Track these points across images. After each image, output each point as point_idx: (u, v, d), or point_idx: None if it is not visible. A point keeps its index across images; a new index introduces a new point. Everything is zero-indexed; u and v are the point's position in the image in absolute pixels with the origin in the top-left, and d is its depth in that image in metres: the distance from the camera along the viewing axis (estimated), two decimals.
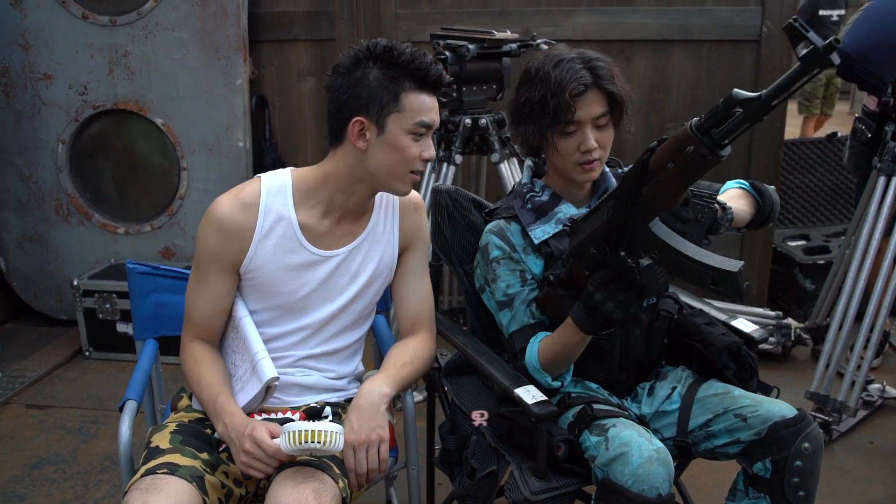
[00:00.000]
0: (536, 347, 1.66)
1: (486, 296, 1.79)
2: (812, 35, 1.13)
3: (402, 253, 1.79)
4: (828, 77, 6.11)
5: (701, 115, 1.27)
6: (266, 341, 1.67)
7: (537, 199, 1.76)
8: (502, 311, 1.73)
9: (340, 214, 1.67)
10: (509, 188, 2.27)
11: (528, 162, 1.84)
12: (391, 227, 1.75)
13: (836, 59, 1.12)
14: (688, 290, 2.03)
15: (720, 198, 1.64)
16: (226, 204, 1.63)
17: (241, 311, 1.69)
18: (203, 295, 1.67)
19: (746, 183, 1.70)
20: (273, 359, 1.66)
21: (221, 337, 1.74)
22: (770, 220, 1.71)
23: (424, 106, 1.59)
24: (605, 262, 1.50)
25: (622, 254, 1.46)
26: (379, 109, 1.57)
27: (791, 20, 1.15)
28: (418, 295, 1.81)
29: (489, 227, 1.78)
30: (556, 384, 1.67)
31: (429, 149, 1.63)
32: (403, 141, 1.59)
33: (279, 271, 1.66)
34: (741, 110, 1.22)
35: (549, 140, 1.68)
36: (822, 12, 5.45)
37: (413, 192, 1.73)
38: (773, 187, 1.71)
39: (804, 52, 1.14)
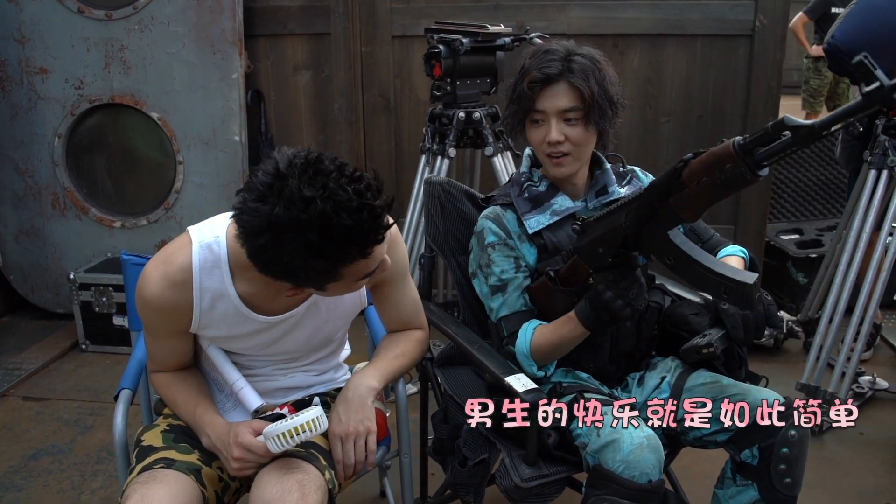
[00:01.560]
0: (530, 334, 1.68)
1: (478, 281, 1.80)
2: (879, 73, 1.16)
3: (377, 286, 1.68)
4: (837, 75, 6.11)
5: (745, 135, 1.31)
6: (239, 367, 1.63)
7: (534, 188, 1.78)
8: (494, 296, 1.74)
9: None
10: (503, 182, 2.29)
11: (528, 151, 1.85)
12: None
13: None
14: (677, 280, 2.05)
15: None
16: (155, 284, 1.46)
17: (206, 341, 1.61)
18: (161, 349, 1.59)
19: (747, 254, 1.75)
20: (251, 374, 1.64)
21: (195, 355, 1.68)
22: None
23: (371, 262, 1.36)
24: (614, 262, 1.54)
25: (633, 254, 1.51)
26: (312, 284, 1.37)
27: (861, 57, 1.17)
28: (402, 309, 1.74)
29: (485, 212, 1.80)
30: (541, 374, 1.69)
31: (384, 266, 1.42)
32: (349, 288, 1.43)
33: (232, 337, 1.57)
34: (789, 134, 1.26)
35: (522, 128, 1.72)
36: (833, 10, 5.46)
37: None
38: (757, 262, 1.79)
39: (868, 88, 1.17)
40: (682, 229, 1.80)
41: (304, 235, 1.23)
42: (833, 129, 1.24)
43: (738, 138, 1.31)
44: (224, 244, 1.47)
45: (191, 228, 1.51)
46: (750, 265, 1.76)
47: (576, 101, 1.66)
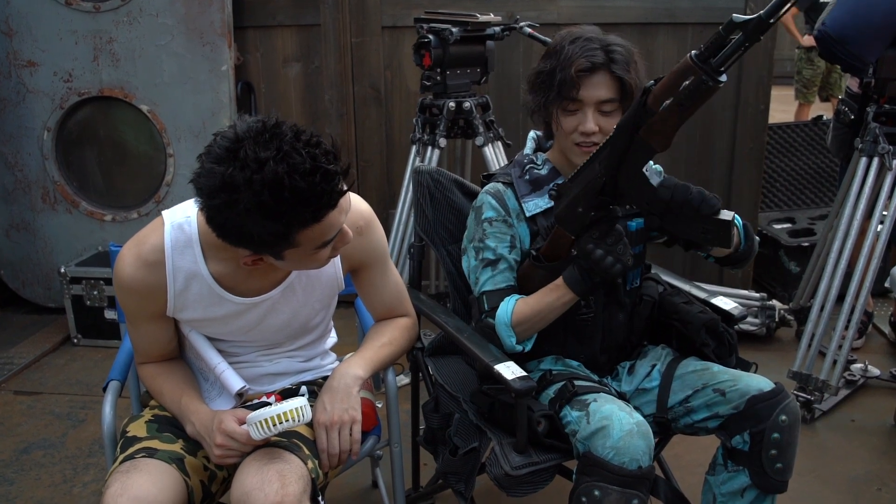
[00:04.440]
0: (512, 305, 1.67)
1: (467, 256, 1.78)
2: None
3: (357, 271, 1.70)
4: (829, 65, 6.13)
5: (700, 46, 1.32)
6: (223, 352, 1.63)
7: (536, 171, 1.77)
8: (484, 270, 1.72)
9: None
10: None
11: (533, 134, 1.84)
12: None
13: None
14: (672, 270, 2.06)
15: None
16: (128, 265, 1.48)
17: (187, 327, 1.62)
18: (143, 337, 1.60)
19: (740, 222, 1.71)
20: (235, 362, 1.64)
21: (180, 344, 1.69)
22: (740, 266, 1.74)
23: (326, 229, 1.35)
24: (597, 219, 1.54)
25: (612, 206, 1.52)
26: (268, 250, 1.36)
27: None
28: (385, 295, 1.74)
29: (486, 188, 1.78)
30: (519, 348, 1.68)
31: (344, 237, 1.43)
32: (308, 258, 1.41)
33: (209, 320, 1.57)
34: (741, 33, 1.28)
35: (553, 115, 1.69)
36: None
37: (359, 212, 1.59)
38: (758, 239, 1.75)
39: None
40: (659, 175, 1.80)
41: (257, 196, 1.24)
42: (779, 14, 1.26)
43: (693, 51, 1.32)
44: (195, 224, 1.50)
45: (164, 212, 1.53)
46: (745, 232, 1.71)
47: (614, 93, 1.64)
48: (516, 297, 1.69)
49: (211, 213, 1.31)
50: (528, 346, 1.70)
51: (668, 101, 1.37)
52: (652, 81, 1.40)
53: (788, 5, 1.26)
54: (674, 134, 1.41)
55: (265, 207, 1.25)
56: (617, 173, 1.49)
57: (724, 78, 1.32)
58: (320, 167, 1.27)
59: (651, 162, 1.74)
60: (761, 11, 1.26)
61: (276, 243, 1.33)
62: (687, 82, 1.33)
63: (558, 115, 1.68)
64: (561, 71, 1.63)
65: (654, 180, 1.60)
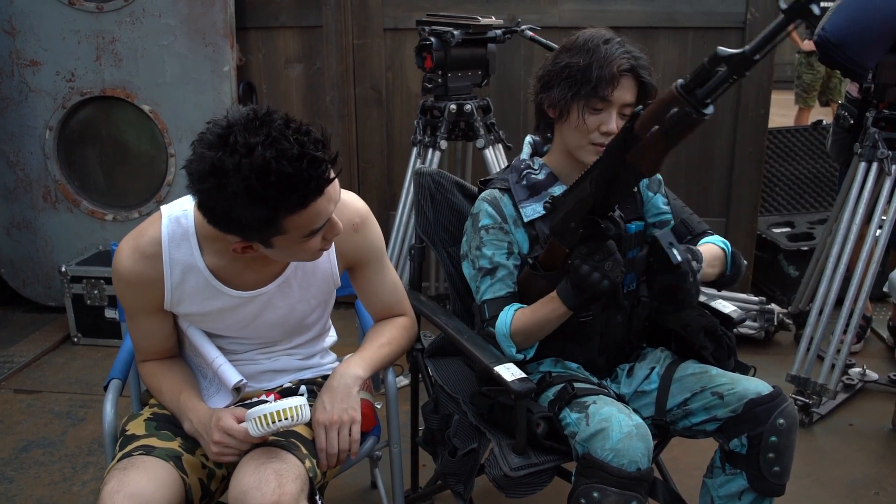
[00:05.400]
0: (511, 315, 1.68)
1: (467, 263, 1.79)
2: None
3: (354, 268, 1.72)
4: (829, 70, 6.14)
5: (686, 76, 1.31)
6: (221, 349, 1.64)
7: (533, 176, 1.77)
8: (483, 279, 1.74)
9: (255, 257, 1.50)
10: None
11: (529, 139, 1.85)
12: (325, 254, 1.59)
13: (815, 9, 1.18)
14: None
15: (700, 247, 1.72)
16: (126, 258, 1.51)
17: (185, 323, 1.64)
18: (142, 333, 1.62)
19: (729, 248, 1.74)
20: (234, 359, 1.65)
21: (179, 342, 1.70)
22: (724, 287, 1.75)
23: (313, 217, 1.37)
24: (587, 236, 1.54)
25: (603, 225, 1.52)
26: (257, 236, 1.38)
27: None
28: (383, 293, 1.75)
29: (483, 195, 1.79)
30: (520, 356, 1.69)
31: (334, 228, 1.45)
32: (297, 247, 1.42)
33: (206, 314, 1.59)
34: (725, 67, 1.27)
35: (576, 111, 1.66)
36: (822, 3, 5.46)
37: (355, 209, 1.63)
38: (745, 263, 1.78)
39: (786, 5, 1.20)
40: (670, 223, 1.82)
41: (245, 180, 1.26)
42: (764, 52, 1.25)
43: (680, 80, 1.32)
44: (192, 217, 1.52)
45: (163, 206, 1.55)
46: (732, 259, 1.76)
47: (635, 97, 1.66)
48: (516, 306, 1.70)
49: (201, 198, 1.34)
50: (531, 354, 1.71)
51: (654, 128, 1.36)
52: (640, 107, 1.41)
53: (772, 45, 1.25)
54: (662, 159, 1.40)
55: (253, 192, 1.27)
56: (607, 194, 1.49)
57: (709, 110, 1.31)
58: (308, 153, 1.29)
59: None
60: (746, 47, 1.26)
61: (263, 229, 1.35)
62: (673, 111, 1.33)
63: (582, 112, 1.66)
64: (599, 68, 1.62)
65: (660, 204, 1.62)
